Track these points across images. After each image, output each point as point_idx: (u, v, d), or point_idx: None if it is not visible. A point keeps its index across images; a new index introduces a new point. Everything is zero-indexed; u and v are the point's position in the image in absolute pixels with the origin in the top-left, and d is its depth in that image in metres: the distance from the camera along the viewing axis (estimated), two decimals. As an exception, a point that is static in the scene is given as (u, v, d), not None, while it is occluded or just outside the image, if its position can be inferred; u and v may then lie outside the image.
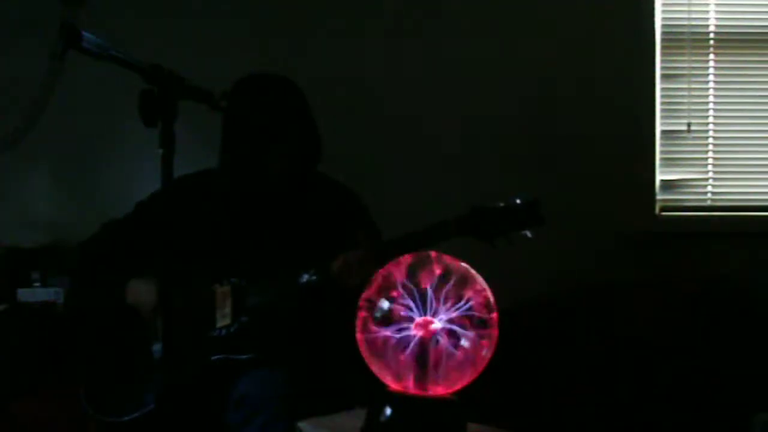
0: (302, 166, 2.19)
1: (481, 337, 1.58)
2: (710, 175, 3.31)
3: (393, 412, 1.60)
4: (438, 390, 1.60)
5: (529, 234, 1.90)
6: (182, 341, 2.04)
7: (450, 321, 1.58)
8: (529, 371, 2.84)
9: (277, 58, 3.07)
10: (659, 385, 2.81)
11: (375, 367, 1.62)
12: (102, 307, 2.19)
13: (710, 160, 3.31)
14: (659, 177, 3.28)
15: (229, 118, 2.14)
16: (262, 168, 2.14)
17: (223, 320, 2.07)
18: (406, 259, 1.68)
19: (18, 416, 2.57)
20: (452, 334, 1.58)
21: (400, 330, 1.59)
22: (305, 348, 2.11)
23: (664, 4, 3.26)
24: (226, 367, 2.03)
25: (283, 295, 2.06)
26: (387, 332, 1.60)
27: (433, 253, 1.66)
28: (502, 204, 1.93)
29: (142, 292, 2.10)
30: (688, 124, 3.27)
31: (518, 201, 1.93)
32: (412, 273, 1.62)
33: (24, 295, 2.90)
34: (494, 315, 1.60)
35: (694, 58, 3.28)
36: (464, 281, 1.60)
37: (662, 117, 3.27)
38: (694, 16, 3.26)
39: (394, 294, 1.61)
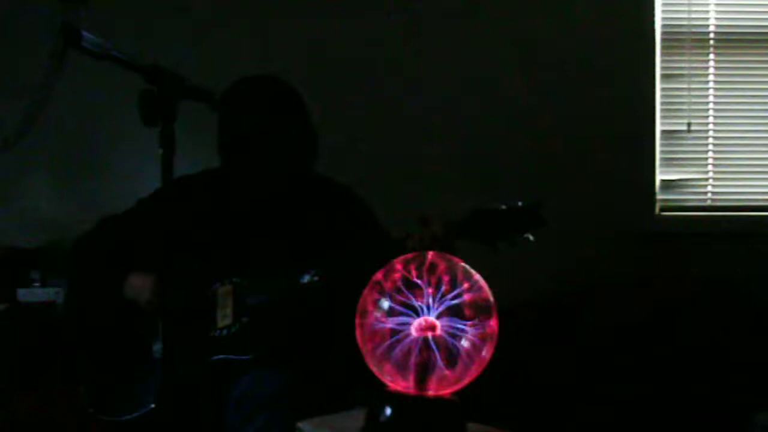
0: (299, 166, 2.19)
1: (481, 336, 1.58)
2: (710, 175, 3.31)
3: (393, 412, 1.60)
4: (438, 390, 1.60)
5: (531, 237, 1.90)
6: (183, 341, 2.04)
7: (450, 321, 1.58)
8: (529, 371, 2.84)
9: (277, 57, 3.07)
10: (659, 384, 2.81)
11: (375, 367, 1.62)
12: (101, 305, 2.18)
13: (710, 160, 3.31)
14: (659, 177, 3.28)
15: (225, 119, 2.14)
16: (260, 168, 2.14)
17: (224, 320, 2.07)
18: (406, 259, 1.68)
19: (18, 416, 2.57)
20: (452, 334, 1.58)
21: (399, 330, 1.59)
22: (306, 348, 2.11)
23: (664, 4, 3.26)
24: (226, 367, 2.03)
25: (284, 295, 2.06)
26: (387, 332, 1.60)
27: (432, 254, 1.65)
28: (503, 207, 1.93)
29: (140, 286, 2.09)
30: (688, 124, 3.28)
31: (520, 203, 1.92)
32: (411, 273, 1.61)
33: (24, 295, 2.90)
34: (494, 314, 1.60)
35: (694, 58, 3.28)
36: (464, 281, 1.60)
37: (662, 117, 3.27)
38: (694, 16, 3.27)
39: (394, 294, 1.61)
